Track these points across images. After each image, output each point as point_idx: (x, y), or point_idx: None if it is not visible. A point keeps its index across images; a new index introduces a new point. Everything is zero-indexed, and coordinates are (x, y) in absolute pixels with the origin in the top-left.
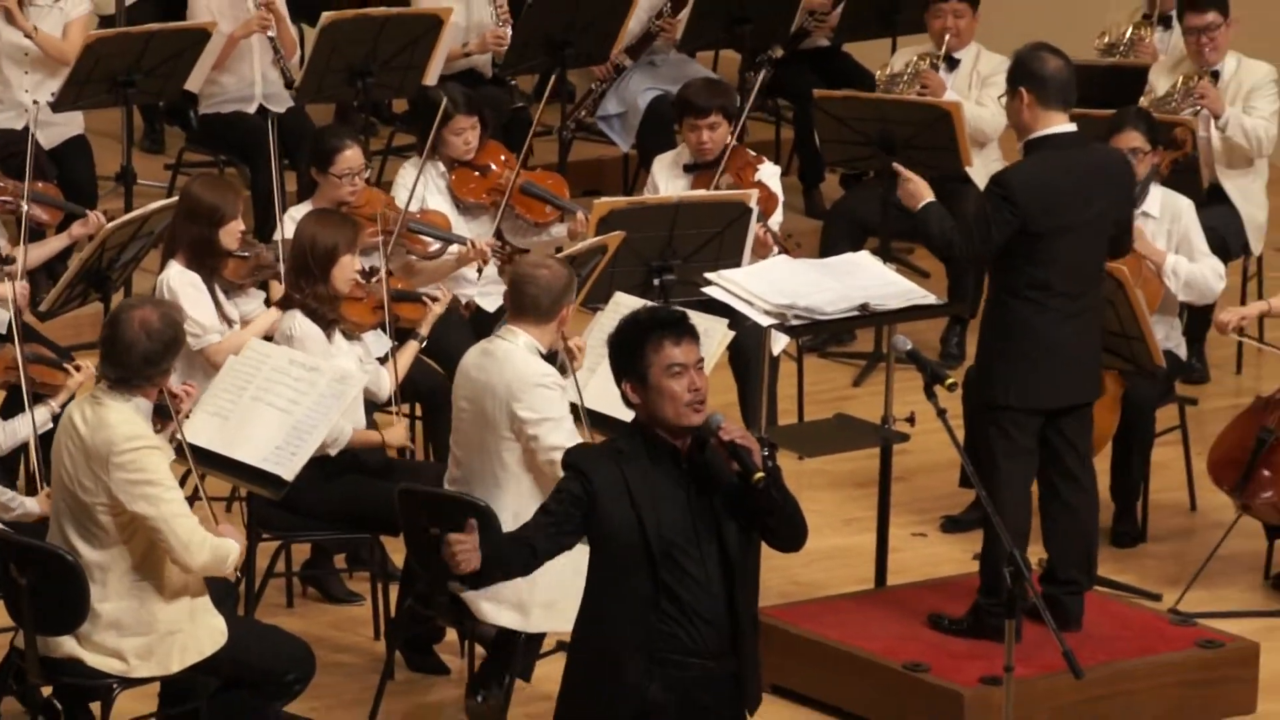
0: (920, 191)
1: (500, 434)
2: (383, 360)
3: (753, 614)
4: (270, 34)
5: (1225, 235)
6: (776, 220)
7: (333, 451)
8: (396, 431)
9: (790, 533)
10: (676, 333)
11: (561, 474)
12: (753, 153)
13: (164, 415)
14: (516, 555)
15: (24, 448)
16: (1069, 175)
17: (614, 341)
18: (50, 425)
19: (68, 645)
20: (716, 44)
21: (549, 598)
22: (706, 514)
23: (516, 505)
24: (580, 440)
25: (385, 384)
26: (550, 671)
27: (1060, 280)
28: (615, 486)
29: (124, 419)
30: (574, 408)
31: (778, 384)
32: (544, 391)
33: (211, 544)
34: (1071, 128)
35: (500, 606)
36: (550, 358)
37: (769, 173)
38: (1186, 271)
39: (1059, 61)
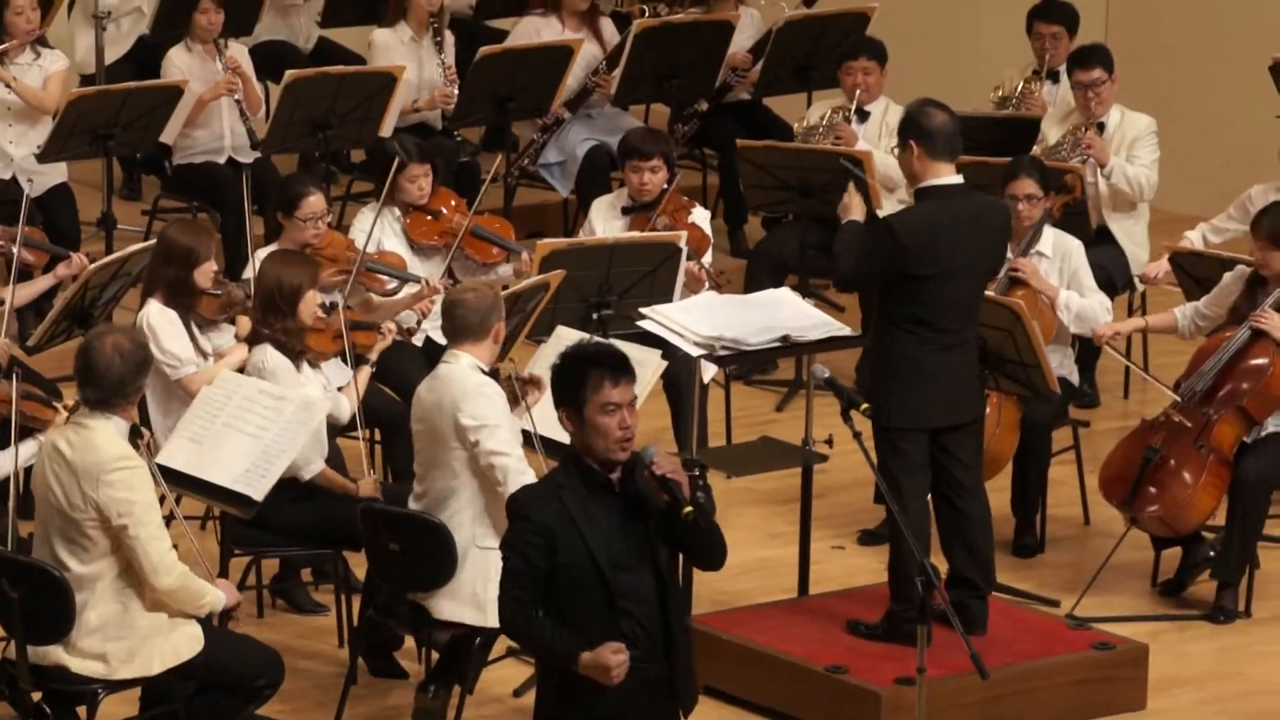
0: (851, 208)
1: (449, 445)
2: (341, 388)
3: (684, 622)
4: (237, 97)
5: (1112, 272)
6: (707, 259)
7: (304, 476)
8: (367, 485)
9: (711, 556)
10: (615, 374)
11: (500, 478)
12: (685, 197)
13: (137, 435)
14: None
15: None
16: (952, 223)
17: (557, 371)
18: (35, 459)
19: (55, 654)
20: (648, 98)
21: None
22: (640, 537)
23: (472, 511)
24: (518, 445)
25: (345, 408)
26: (500, 675)
27: (938, 316)
28: (562, 520)
29: (109, 440)
30: (526, 435)
31: (707, 409)
32: (483, 399)
33: (182, 573)
34: (957, 179)
35: (460, 605)
36: (493, 375)
37: (700, 216)
38: (1078, 306)
39: (944, 116)
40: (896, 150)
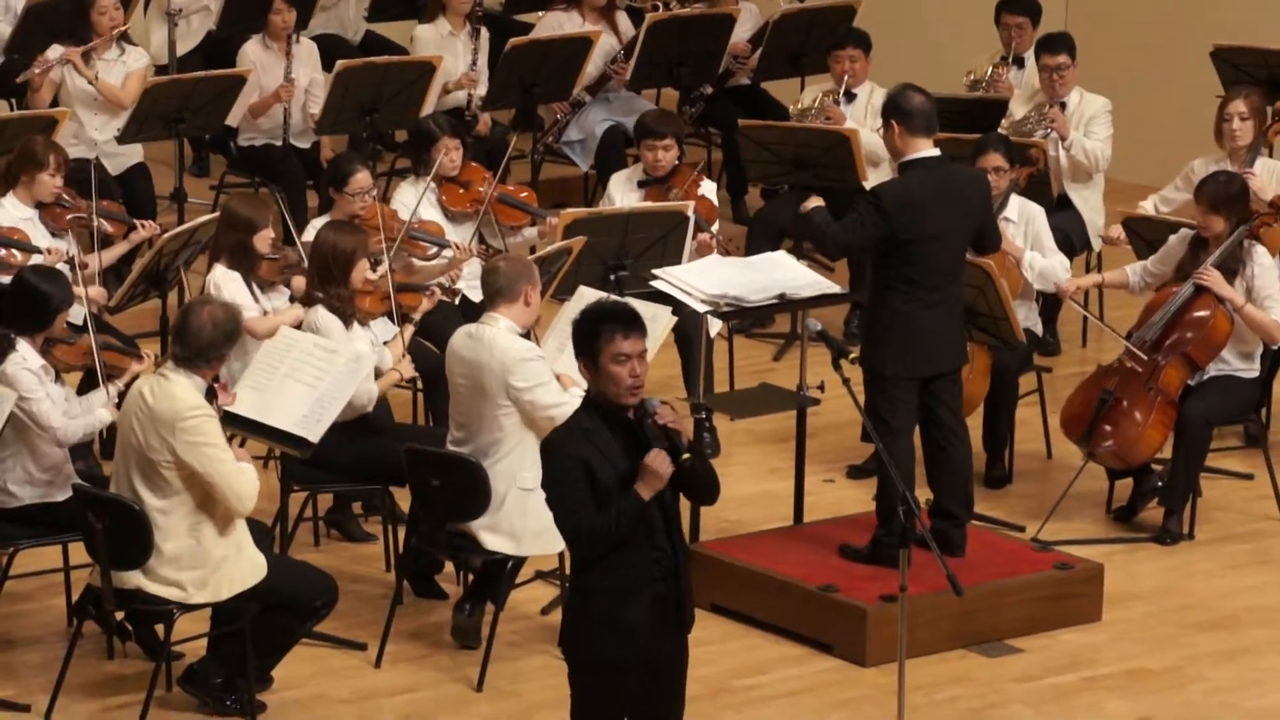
0: (811, 200)
1: (498, 403)
2: (387, 343)
3: (685, 548)
4: (288, 104)
5: (1071, 235)
6: (716, 226)
7: (369, 409)
8: (407, 364)
9: (706, 494)
10: (626, 328)
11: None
12: (695, 170)
13: (211, 397)
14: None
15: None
16: (932, 192)
17: (575, 326)
18: (117, 400)
19: (135, 578)
20: (659, 83)
21: (538, 527)
22: None
23: (514, 458)
24: (565, 393)
25: (389, 360)
26: (529, 595)
27: (924, 276)
28: (595, 454)
29: (187, 392)
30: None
31: (713, 359)
32: (531, 363)
33: (254, 491)
34: (935, 152)
35: (500, 537)
36: (525, 336)
37: (709, 188)
38: (1041, 265)
39: (921, 98)
40: (881, 130)
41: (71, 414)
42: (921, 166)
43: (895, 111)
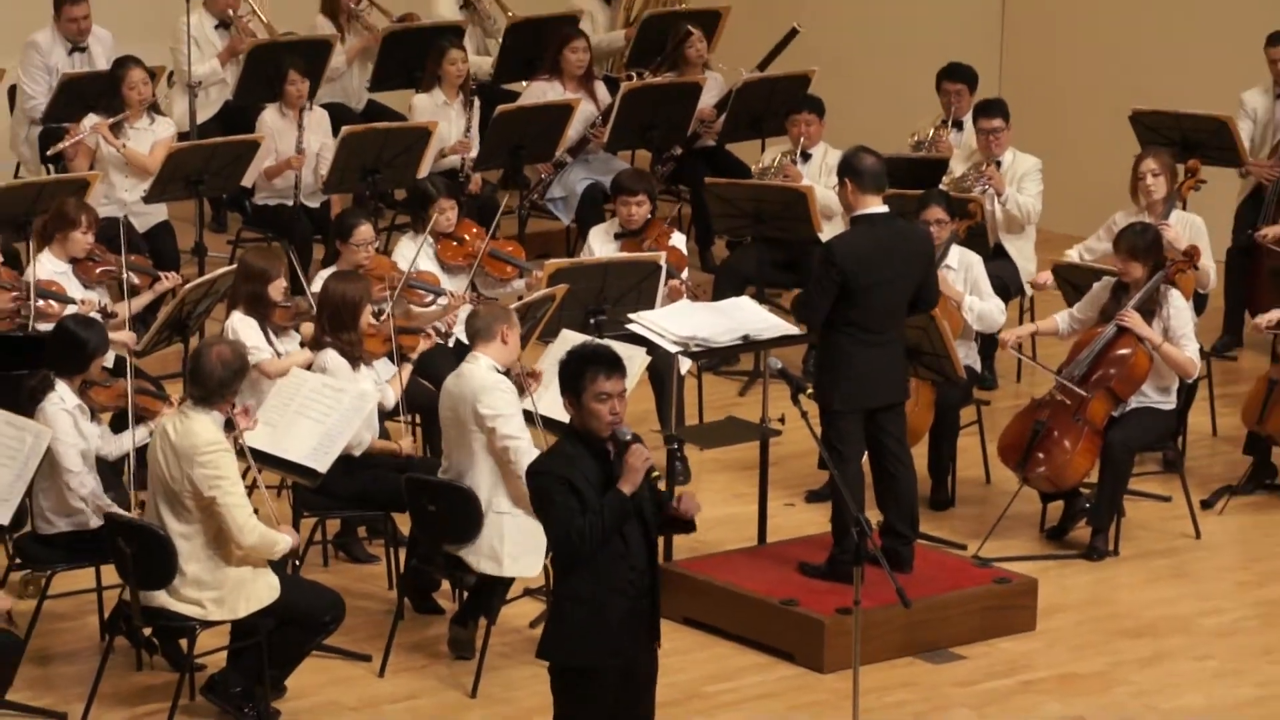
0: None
1: (469, 429)
2: (388, 381)
3: (659, 571)
4: (299, 170)
5: (1006, 282)
6: (685, 273)
7: (356, 454)
8: (407, 442)
9: (684, 531)
10: (609, 370)
11: (513, 458)
12: (667, 224)
13: (230, 428)
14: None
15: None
16: (879, 244)
17: (562, 365)
18: (149, 440)
19: (161, 597)
20: (633, 145)
21: (514, 551)
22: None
23: (488, 484)
24: (527, 431)
25: (391, 397)
26: (519, 610)
27: (869, 320)
28: (578, 475)
29: (205, 428)
30: (529, 415)
31: (684, 395)
32: (498, 394)
33: (261, 531)
34: (883, 209)
35: (482, 559)
36: (505, 374)
37: (678, 239)
38: (979, 308)
39: (872, 159)
40: (835, 187)
41: (105, 450)
42: (870, 221)
43: (849, 171)
